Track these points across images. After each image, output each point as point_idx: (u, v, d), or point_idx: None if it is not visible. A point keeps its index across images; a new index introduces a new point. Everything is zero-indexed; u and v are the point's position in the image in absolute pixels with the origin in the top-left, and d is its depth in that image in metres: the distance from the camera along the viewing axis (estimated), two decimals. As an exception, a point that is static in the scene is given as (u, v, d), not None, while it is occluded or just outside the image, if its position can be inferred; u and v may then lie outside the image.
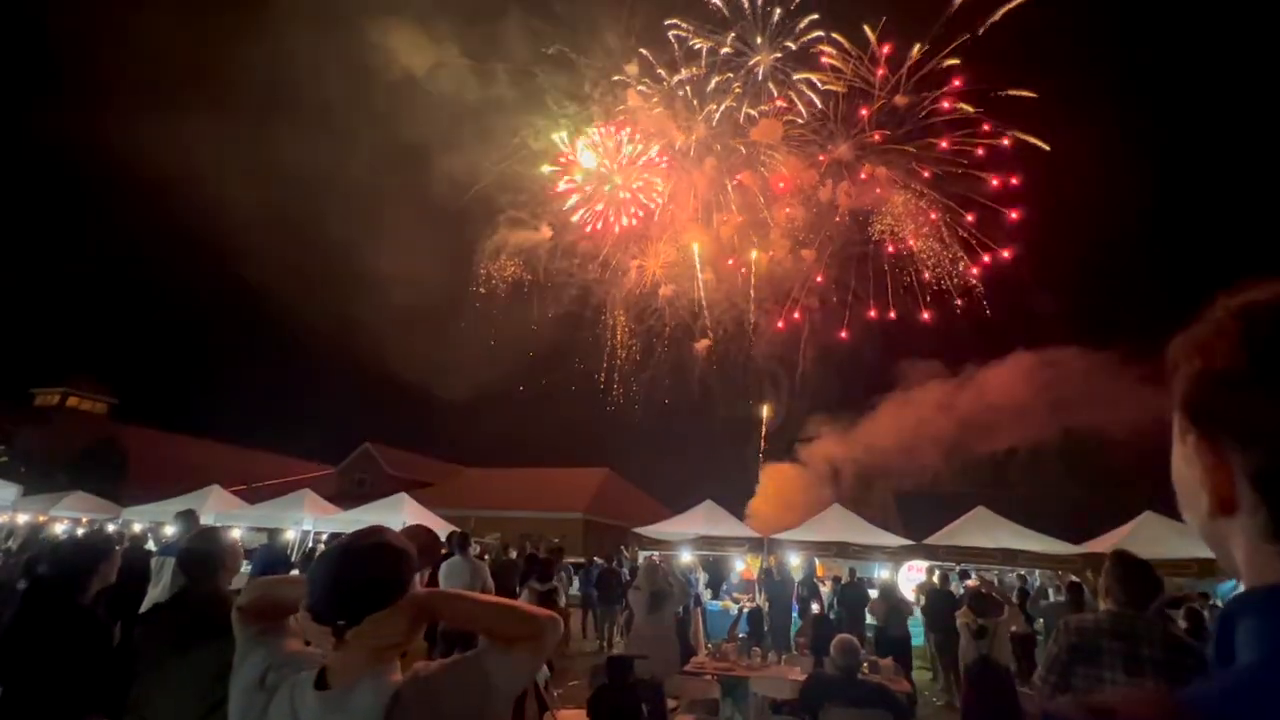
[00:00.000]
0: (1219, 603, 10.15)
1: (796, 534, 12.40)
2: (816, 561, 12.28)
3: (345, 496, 24.51)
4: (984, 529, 11.75)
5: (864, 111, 31.74)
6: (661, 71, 32.76)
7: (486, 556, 9.89)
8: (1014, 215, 30.01)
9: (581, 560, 16.25)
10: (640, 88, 33.08)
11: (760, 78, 32.34)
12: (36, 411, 35.97)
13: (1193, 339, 0.53)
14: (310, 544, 14.22)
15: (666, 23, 31.79)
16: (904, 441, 27.76)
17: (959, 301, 31.81)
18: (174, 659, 2.24)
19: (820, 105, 31.97)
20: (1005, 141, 29.67)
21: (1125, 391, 22.41)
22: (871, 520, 13.24)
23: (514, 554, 12.71)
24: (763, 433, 33.88)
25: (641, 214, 34.46)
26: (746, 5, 31.25)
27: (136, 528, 14.84)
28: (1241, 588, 0.50)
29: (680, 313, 35.64)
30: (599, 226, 34.48)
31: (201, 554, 2.54)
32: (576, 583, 14.59)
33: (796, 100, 32.23)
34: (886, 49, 30.35)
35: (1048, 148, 29.34)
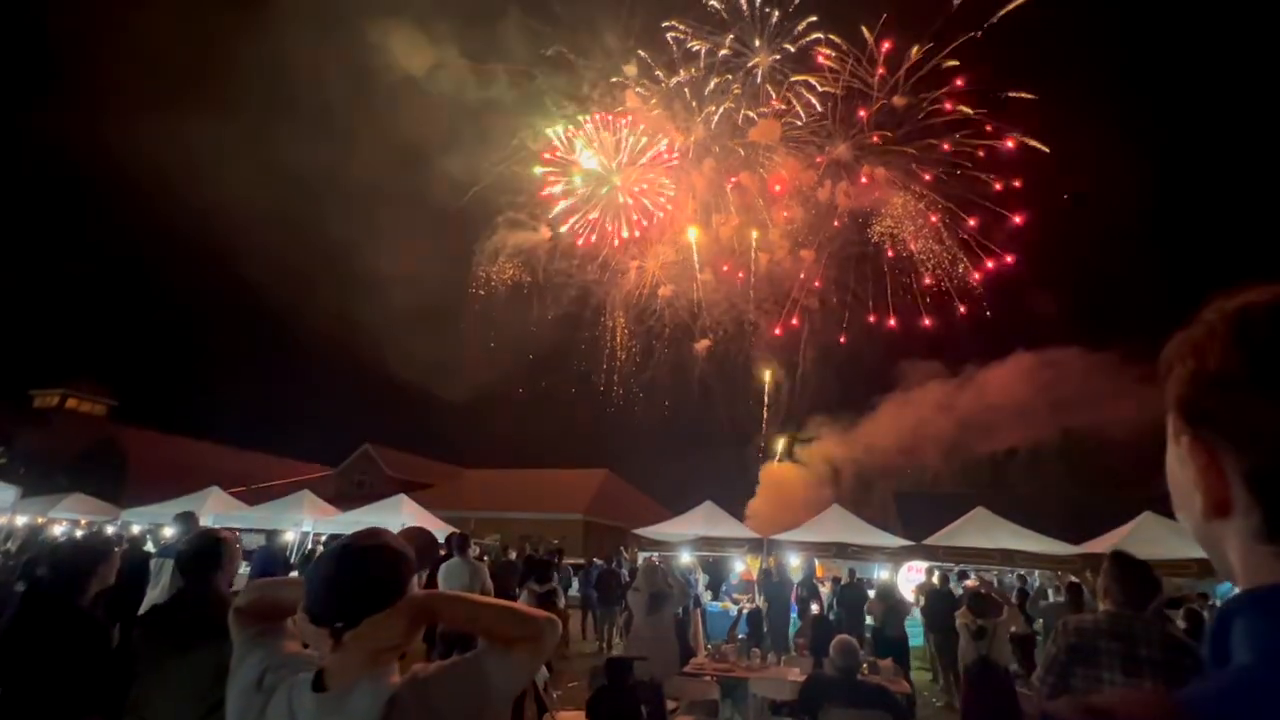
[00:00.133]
0: (1218, 603, 10.13)
1: (796, 535, 12.40)
2: (816, 562, 12.29)
3: (344, 498, 24.49)
4: (983, 529, 11.75)
5: (863, 113, 31.81)
6: (660, 73, 32.83)
7: (486, 558, 9.89)
8: (1018, 220, 30.07)
9: (581, 561, 16.24)
10: (639, 90, 33.14)
11: (759, 79, 32.41)
12: (35, 413, 35.92)
13: (1187, 340, 0.53)
14: (309, 545, 14.21)
15: (664, 24, 31.86)
16: (903, 442, 27.81)
17: (960, 305, 31.87)
18: (172, 660, 2.24)
19: (819, 108, 32.04)
20: (1010, 143, 29.71)
21: (1124, 392, 22.44)
22: (871, 521, 13.25)
23: (513, 555, 12.71)
24: (762, 433, 33.92)
25: (645, 222, 34.35)
26: (745, 6, 31.31)
27: (135, 529, 14.82)
28: (1237, 589, 0.50)
29: (680, 313, 35.70)
30: (593, 239, 34.42)
31: (200, 555, 2.54)
32: (576, 584, 14.59)
33: (795, 102, 32.30)
34: (886, 46, 30.41)
35: (1047, 150, 29.41)
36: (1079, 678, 2.51)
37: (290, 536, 14.29)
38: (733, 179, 33.69)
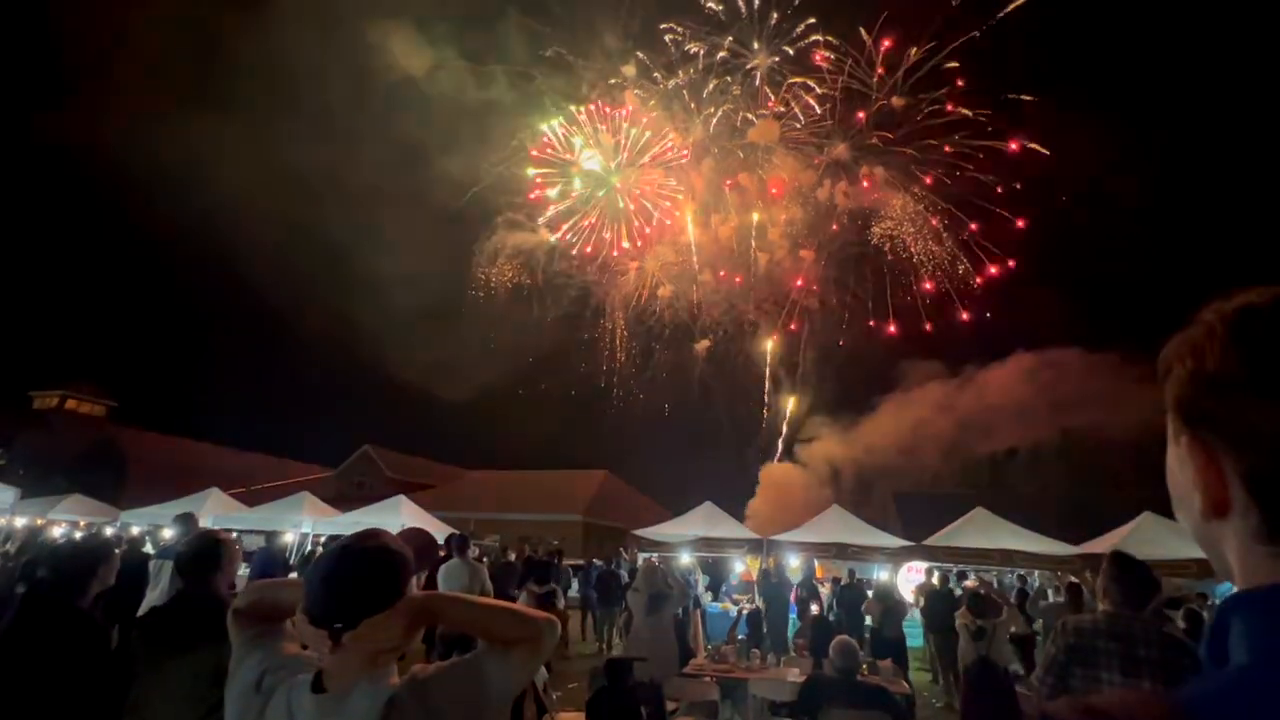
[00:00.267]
0: (1217, 604, 10.13)
1: (796, 535, 12.40)
2: (816, 563, 12.28)
3: (344, 499, 24.46)
4: (983, 530, 11.76)
5: (861, 114, 31.84)
6: (658, 75, 32.84)
7: (485, 559, 9.89)
8: (1020, 224, 30.11)
9: (580, 562, 16.24)
10: (637, 91, 33.15)
11: (757, 81, 32.43)
12: (35, 414, 35.92)
13: (1185, 342, 0.54)
14: (309, 547, 14.20)
15: (662, 26, 31.88)
16: (903, 442, 27.81)
17: (960, 306, 31.89)
18: (171, 662, 2.24)
19: (818, 110, 32.06)
20: (1013, 146, 29.74)
21: (1124, 393, 22.46)
22: (870, 521, 13.24)
23: (512, 557, 12.70)
24: (761, 433, 33.92)
25: (648, 229, 34.23)
26: (743, 8, 31.33)
27: (134, 530, 14.80)
28: (1236, 589, 0.50)
29: (679, 313, 35.70)
30: (587, 250, 34.35)
31: (199, 557, 2.54)
32: (576, 585, 14.58)
33: (793, 104, 32.32)
34: (885, 46, 30.42)
35: (1047, 153, 29.45)
36: (1078, 678, 2.51)
37: (290, 538, 14.29)
38: (731, 180, 33.73)
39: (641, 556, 12.57)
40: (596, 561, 15.33)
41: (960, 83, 30.10)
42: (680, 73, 32.65)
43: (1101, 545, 10.45)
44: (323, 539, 13.99)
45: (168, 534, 9.98)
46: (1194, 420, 0.52)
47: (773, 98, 32.36)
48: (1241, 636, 0.47)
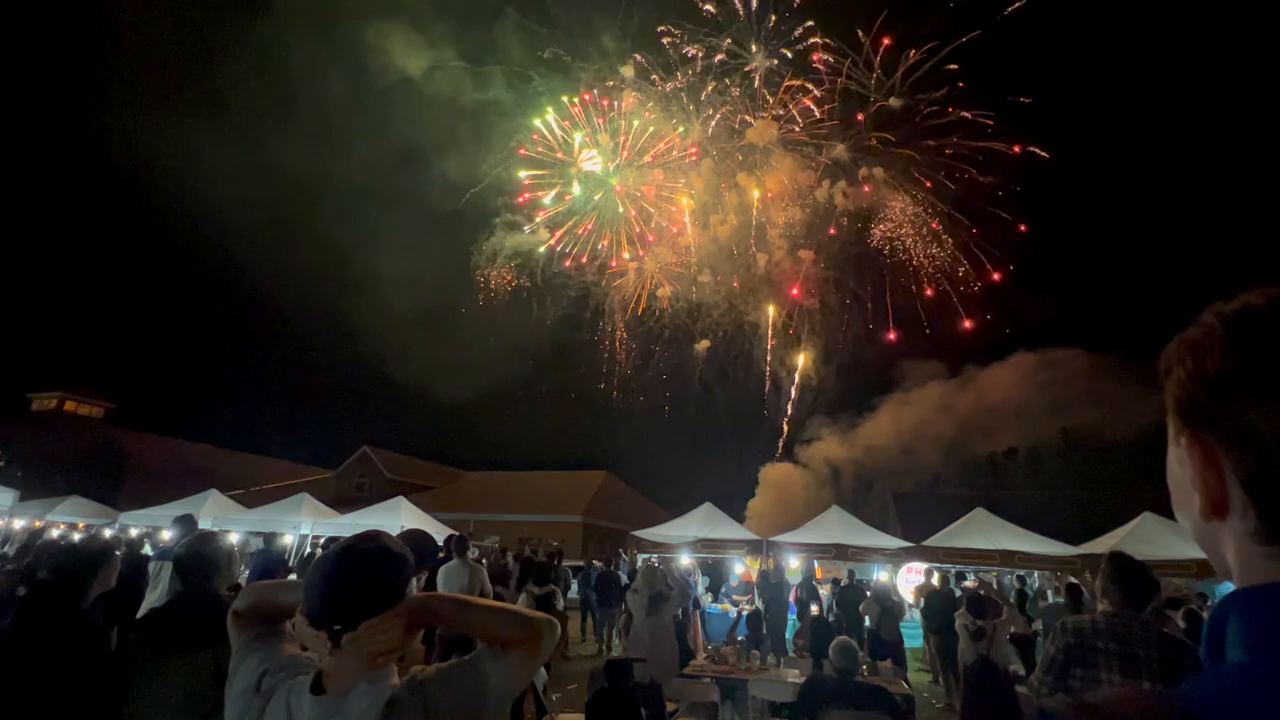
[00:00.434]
0: (1215, 603, 10.13)
1: (795, 536, 12.39)
2: (815, 564, 12.28)
3: (343, 500, 24.44)
4: (983, 530, 11.76)
5: (860, 116, 31.86)
6: (655, 78, 32.85)
7: (484, 561, 9.88)
8: (1022, 228, 30.16)
9: (580, 563, 16.23)
10: (636, 94, 33.15)
11: (756, 83, 32.45)
12: (34, 416, 35.86)
13: (1185, 343, 0.54)
14: (308, 548, 14.18)
15: (659, 29, 31.90)
16: (903, 443, 27.81)
17: (960, 308, 31.90)
18: (171, 664, 2.23)
19: (817, 113, 32.09)
20: (1015, 149, 29.78)
21: (1123, 393, 22.47)
22: (870, 522, 13.24)
23: (510, 557, 12.69)
24: (761, 434, 33.91)
25: (651, 237, 34.11)
26: (740, 10, 31.36)
27: (134, 532, 14.79)
28: (1235, 589, 0.50)
29: (679, 314, 35.71)
30: (584, 260, 34.29)
31: (198, 558, 2.53)
32: (575, 586, 14.57)
33: (791, 107, 32.34)
34: (884, 45, 30.45)
35: (1046, 155, 29.49)
36: (1077, 678, 2.51)
37: (289, 539, 14.27)
38: (729, 181, 33.73)
39: (641, 558, 12.57)
40: (596, 563, 15.33)
41: (961, 84, 30.17)
42: (678, 74, 32.69)
43: (1101, 545, 10.46)
44: (322, 540, 13.98)
45: (167, 535, 9.97)
46: (1194, 421, 0.52)
47: (771, 100, 32.41)
48: (1238, 634, 0.47)
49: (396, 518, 13.30)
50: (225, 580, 2.59)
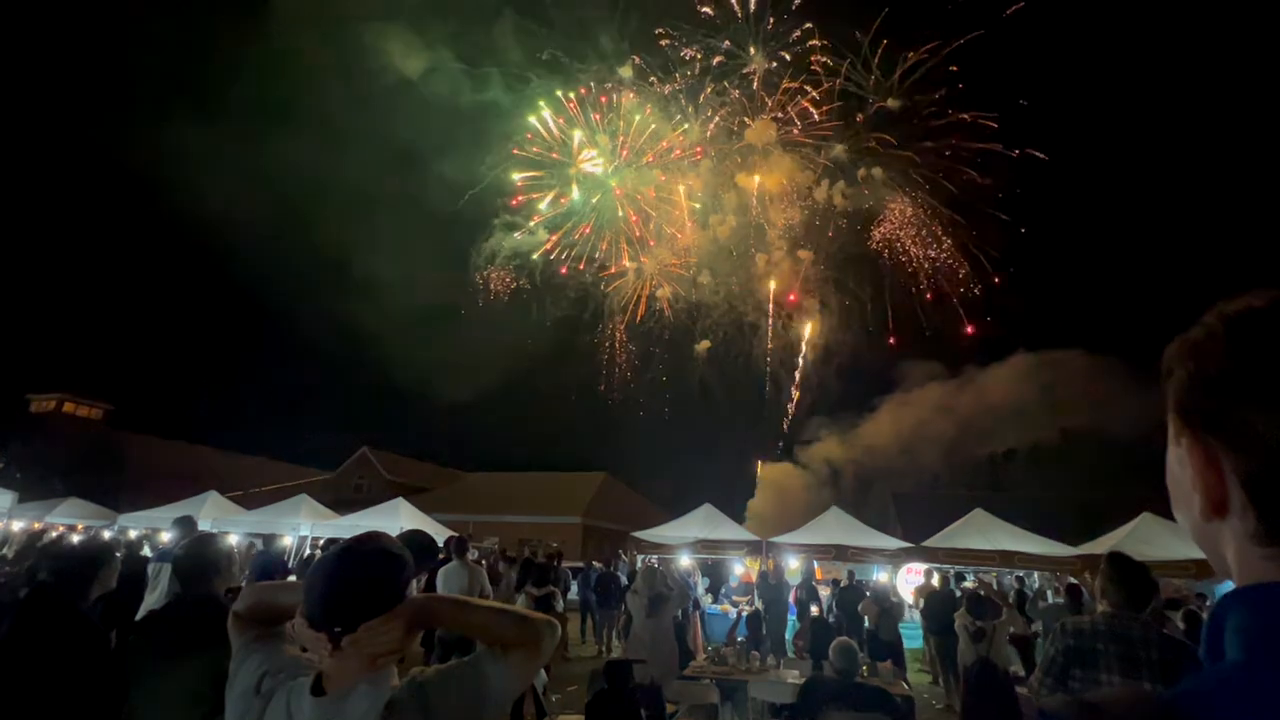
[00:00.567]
0: (1213, 603, 10.14)
1: (795, 537, 12.39)
2: (815, 564, 12.27)
3: (343, 502, 24.42)
4: (982, 531, 11.77)
5: (859, 117, 31.91)
6: (654, 79, 32.87)
7: (483, 562, 9.87)
8: (1022, 230, 30.21)
9: (580, 564, 16.22)
10: (634, 96, 33.17)
11: (754, 85, 32.48)
12: (32, 418, 35.80)
13: (1186, 344, 0.54)
14: (307, 550, 14.16)
15: (657, 31, 31.94)
16: (903, 443, 27.83)
17: (960, 309, 31.94)
18: (169, 665, 2.23)
19: (815, 116, 32.12)
20: (1015, 153, 29.84)
21: (1123, 394, 22.49)
22: (869, 523, 13.24)
23: (499, 561, 12.67)
24: (761, 434, 33.91)
25: (652, 242, 34.03)
26: (738, 11, 31.40)
27: (133, 534, 14.76)
28: (1233, 589, 0.50)
29: (679, 315, 35.72)
30: (581, 267, 34.26)
31: (198, 560, 2.53)
32: (575, 587, 14.56)
33: (790, 109, 32.37)
34: (882, 47, 30.50)
35: (1045, 157, 29.55)
36: (1077, 679, 2.51)
37: (288, 541, 14.26)
38: (729, 182, 33.75)
39: (640, 559, 12.56)
40: (595, 564, 15.32)
41: (960, 86, 30.22)
42: (677, 76, 32.72)
43: (1100, 546, 10.47)
44: (321, 542, 13.97)
45: (166, 537, 9.96)
46: (1195, 422, 0.52)
47: (769, 101, 32.45)
48: (1235, 633, 0.47)
49: (396, 519, 13.28)
50: (224, 582, 2.59)
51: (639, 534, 13.55)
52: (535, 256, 34.55)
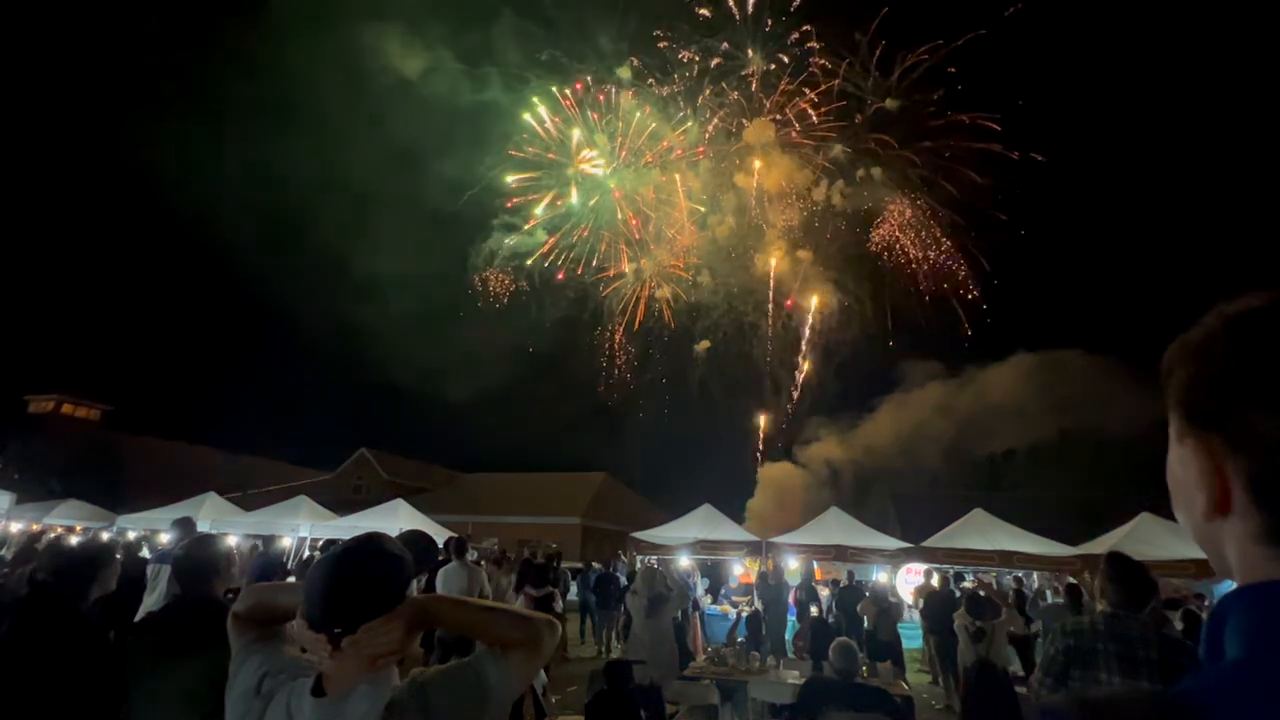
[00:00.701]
0: (1214, 602, 10.15)
1: (794, 537, 12.40)
2: (815, 565, 12.27)
3: (342, 503, 24.39)
4: (981, 531, 11.77)
5: (858, 118, 31.94)
6: (652, 81, 32.89)
7: (482, 563, 9.86)
8: (1022, 232, 30.25)
9: (579, 565, 16.20)
10: (633, 92, 33.18)
11: (753, 87, 32.51)
12: (30, 418, 35.72)
13: (1188, 344, 0.54)
14: (306, 551, 14.14)
15: (655, 32, 31.95)
16: (902, 443, 27.82)
17: (960, 309, 31.97)
18: (168, 667, 2.22)
19: (814, 118, 32.15)
20: (1003, 149, 29.89)
21: (1122, 394, 22.50)
22: (869, 523, 13.25)
23: (511, 558, 12.67)
24: (761, 435, 33.91)
25: (652, 246, 33.96)
26: (736, 13, 31.43)
27: (131, 535, 14.73)
28: (1235, 588, 0.50)
29: (678, 315, 35.72)
30: (580, 271, 34.23)
31: (196, 561, 2.53)
32: (574, 588, 14.56)
33: (788, 110, 32.40)
34: (879, 48, 30.53)
35: (1043, 159, 29.60)
36: (1077, 679, 2.51)
37: (287, 542, 14.25)
38: (728, 182, 33.77)
39: (640, 559, 12.55)
40: (595, 564, 15.31)
41: (959, 87, 30.27)
42: (675, 77, 32.74)
43: (1099, 546, 10.47)
44: (320, 543, 13.96)
45: (165, 538, 9.95)
46: (1198, 422, 0.52)
47: (768, 103, 32.48)
48: (1236, 631, 0.47)
49: (395, 520, 13.26)
50: (224, 584, 2.59)
51: (638, 534, 13.54)
52: (529, 263, 34.58)
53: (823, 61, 31.17)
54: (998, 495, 22.05)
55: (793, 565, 12.43)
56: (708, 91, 32.64)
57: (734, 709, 6.02)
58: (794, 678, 5.81)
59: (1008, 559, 11.07)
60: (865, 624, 8.97)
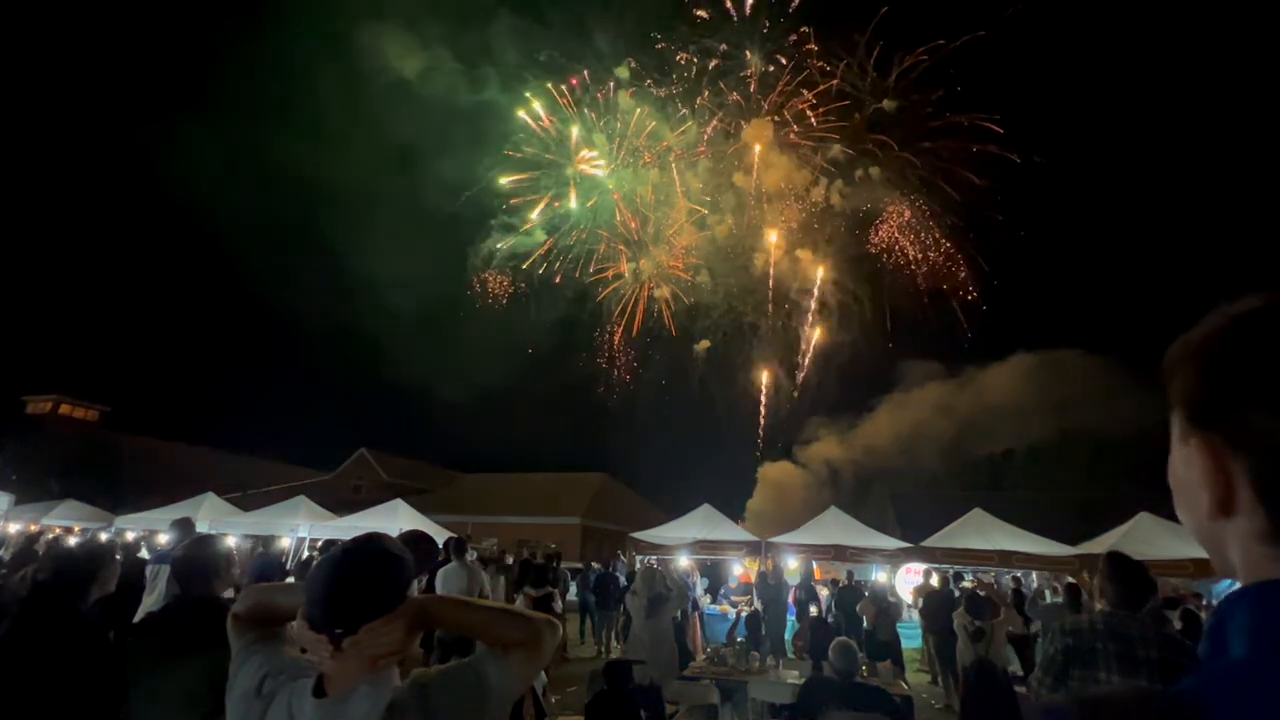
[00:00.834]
0: (1214, 603, 10.17)
1: (794, 537, 12.39)
2: (814, 565, 12.28)
3: (341, 503, 24.36)
4: (980, 531, 11.77)
5: (857, 118, 31.95)
6: (651, 82, 32.88)
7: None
8: (1021, 233, 30.30)
9: (579, 565, 16.20)
10: (631, 91, 33.17)
11: (751, 88, 32.51)
12: (28, 419, 35.67)
13: (1191, 344, 0.54)
14: (305, 552, 14.12)
15: (655, 33, 31.95)
16: (902, 443, 27.84)
17: (959, 309, 31.99)
18: (167, 668, 2.22)
19: (813, 119, 32.15)
20: (1000, 151, 29.92)
21: (1121, 394, 22.51)
22: (868, 523, 13.25)
23: (510, 559, 12.67)
24: (760, 435, 33.91)
25: (652, 247, 33.84)
26: (734, 14, 31.42)
27: (130, 536, 14.70)
28: (1238, 587, 0.50)
29: (678, 315, 35.72)
30: (578, 274, 34.15)
31: (196, 562, 2.52)
32: (574, 588, 14.55)
33: (786, 111, 32.40)
34: (878, 49, 30.55)
35: (1042, 160, 29.64)
36: (1076, 678, 2.51)
37: (286, 542, 14.23)
38: (727, 182, 33.76)
39: (640, 559, 12.55)
40: (594, 565, 15.30)
41: (958, 88, 30.29)
42: (674, 77, 32.74)
43: (1098, 546, 10.47)
44: (319, 543, 13.94)
45: (164, 539, 9.93)
46: (1201, 422, 0.52)
47: (766, 104, 32.48)
48: (1239, 630, 0.47)
49: (395, 520, 13.24)
50: (223, 584, 2.58)
51: (638, 534, 13.53)
52: (526, 266, 34.55)
53: (821, 63, 31.21)
54: (997, 495, 22.08)
55: (792, 565, 12.43)
56: (706, 93, 32.67)
57: (734, 709, 6.02)
58: (793, 678, 5.81)
59: (1007, 559, 11.07)
60: (864, 624, 8.97)
